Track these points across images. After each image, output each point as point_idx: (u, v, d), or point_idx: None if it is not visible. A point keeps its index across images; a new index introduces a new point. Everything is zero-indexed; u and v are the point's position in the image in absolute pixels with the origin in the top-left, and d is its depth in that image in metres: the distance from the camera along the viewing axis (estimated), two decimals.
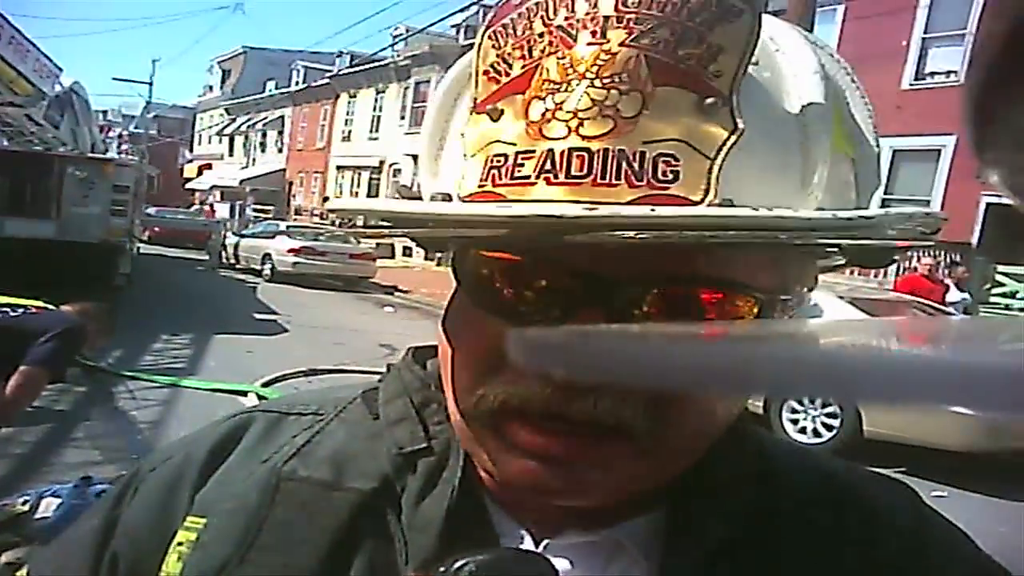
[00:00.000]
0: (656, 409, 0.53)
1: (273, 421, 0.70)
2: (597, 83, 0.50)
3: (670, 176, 0.49)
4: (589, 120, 0.49)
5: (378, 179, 31.18)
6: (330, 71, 36.14)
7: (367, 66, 31.49)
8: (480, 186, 0.53)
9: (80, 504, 4.15)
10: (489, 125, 0.54)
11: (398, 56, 29.63)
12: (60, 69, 15.30)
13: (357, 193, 32.47)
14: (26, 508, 4.10)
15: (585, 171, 0.49)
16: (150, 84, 41.65)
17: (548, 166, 0.50)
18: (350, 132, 34.14)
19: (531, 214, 0.47)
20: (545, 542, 0.60)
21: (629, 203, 0.48)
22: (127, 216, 12.68)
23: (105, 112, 51.72)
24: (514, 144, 0.52)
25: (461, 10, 22.35)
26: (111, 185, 12.32)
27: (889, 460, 5.96)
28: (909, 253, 12.81)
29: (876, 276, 12.67)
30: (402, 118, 29.19)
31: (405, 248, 24.44)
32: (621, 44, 0.50)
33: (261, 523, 0.62)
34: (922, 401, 0.19)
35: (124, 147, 25.17)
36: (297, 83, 39.38)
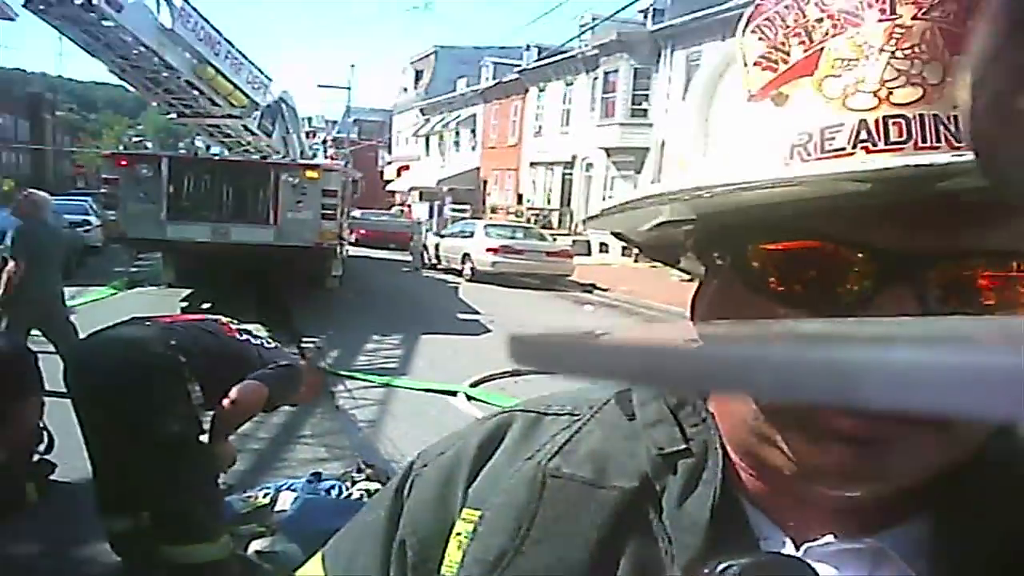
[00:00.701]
0: None
1: (532, 421, 0.74)
2: (898, 54, 0.51)
3: None
4: (898, 88, 0.50)
5: (571, 175, 31.21)
6: (519, 65, 36.38)
7: (555, 58, 31.47)
8: (786, 165, 0.53)
9: (313, 498, 4.42)
10: (774, 110, 0.55)
11: (586, 46, 29.40)
12: (270, 79, 16.38)
13: (550, 190, 32.70)
14: (267, 501, 4.42)
15: (904, 136, 0.50)
16: (349, 89, 43.59)
17: (863, 136, 0.50)
18: (541, 127, 34.24)
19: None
20: (806, 546, 0.59)
21: None
22: (336, 220, 13.18)
23: (310, 119, 54.79)
24: (815, 121, 0.52)
25: None
26: (321, 190, 12.83)
27: None
28: None
29: None
30: (592, 110, 28.94)
31: (602, 244, 24.38)
32: (913, 18, 0.51)
33: (532, 517, 0.65)
34: (929, 406, 0.19)
35: (330, 152, 26.55)
36: (487, 79, 40.01)
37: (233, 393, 3.58)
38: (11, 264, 6.94)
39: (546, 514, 0.65)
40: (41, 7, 12.58)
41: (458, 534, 0.68)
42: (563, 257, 19.53)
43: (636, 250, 0.78)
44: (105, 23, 12.94)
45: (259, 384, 3.66)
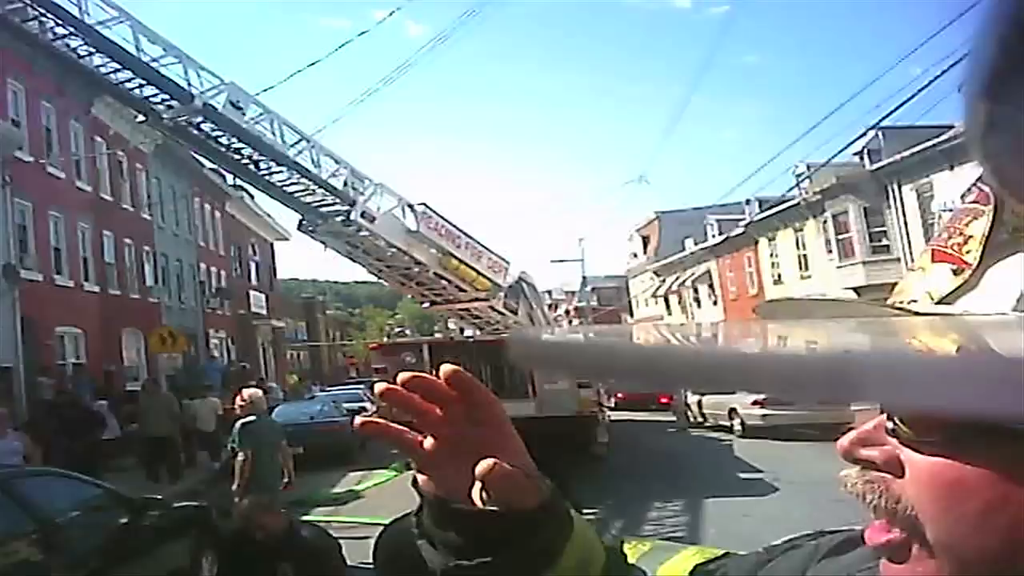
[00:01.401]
0: None
1: None
2: None
3: None
4: None
5: None
6: (741, 219, 36.16)
7: (778, 208, 31.16)
8: None
9: None
10: None
11: (806, 193, 28.86)
12: (508, 261, 17.22)
13: None
14: None
15: None
16: (582, 261, 44.64)
17: None
18: (779, 274, 33.45)
19: None
20: None
21: None
22: (593, 387, 13.01)
23: (550, 291, 56.48)
24: None
25: (859, 137, 20.99)
26: None
27: None
28: None
29: None
30: (829, 252, 28.07)
31: None
32: None
33: None
34: (926, 403, 0.19)
35: (574, 321, 26.73)
36: (713, 236, 39.94)
37: None
38: (240, 456, 7.83)
39: None
40: (310, 228, 15.07)
41: None
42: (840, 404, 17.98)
43: None
44: (361, 233, 14.96)
45: None
